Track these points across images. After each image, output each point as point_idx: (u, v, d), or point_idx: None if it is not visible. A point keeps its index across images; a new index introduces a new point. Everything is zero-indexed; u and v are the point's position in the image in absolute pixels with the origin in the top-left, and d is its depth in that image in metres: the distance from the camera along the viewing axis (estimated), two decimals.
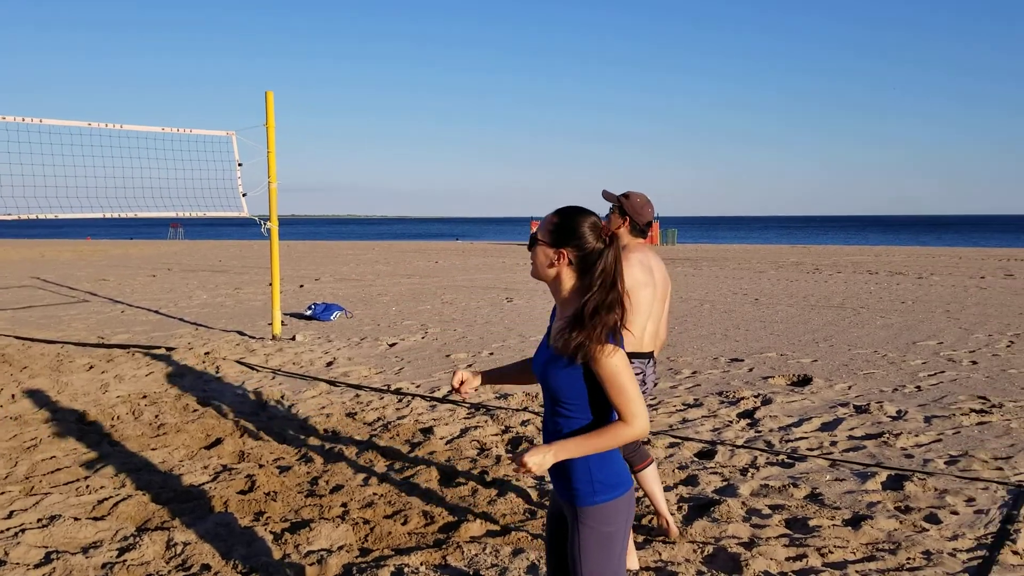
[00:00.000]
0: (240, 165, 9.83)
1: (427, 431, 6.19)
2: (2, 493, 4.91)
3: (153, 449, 5.79)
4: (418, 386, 7.73)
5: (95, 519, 4.50)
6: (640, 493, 4.65)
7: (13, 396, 7.31)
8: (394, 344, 10.10)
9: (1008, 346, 9.67)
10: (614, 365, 2.13)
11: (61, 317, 12.61)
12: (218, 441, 6.01)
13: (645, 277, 3.73)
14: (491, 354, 9.41)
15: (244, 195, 9.93)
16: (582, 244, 2.25)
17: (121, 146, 9.28)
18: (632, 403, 2.14)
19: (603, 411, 2.24)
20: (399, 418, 6.62)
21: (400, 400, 7.20)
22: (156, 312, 13.14)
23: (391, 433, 6.17)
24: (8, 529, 4.36)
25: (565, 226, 2.28)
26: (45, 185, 8.88)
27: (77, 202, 9.31)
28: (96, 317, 12.59)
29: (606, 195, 3.92)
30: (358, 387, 7.72)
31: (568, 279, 2.28)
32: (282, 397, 7.35)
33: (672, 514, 4.43)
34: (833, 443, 5.78)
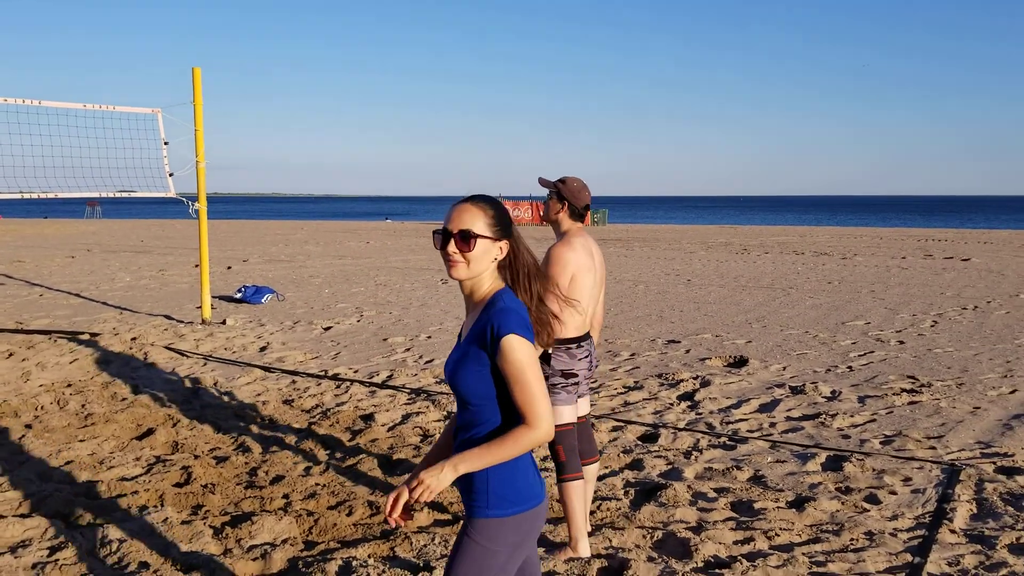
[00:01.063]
0: (166, 144, 9.48)
1: (368, 418, 6.08)
2: None
3: (81, 441, 5.56)
4: (356, 371, 7.60)
5: (22, 516, 4.30)
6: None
7: None
8: (329, 328, 9.92)
9: (932, 326, 9.99)
10: (520, 359, 2.00)
11: None
12: (150, 431, 5.79)
13: (588, 261, 3.71)
14: (428, 337, 9.31)
15: (171, 175, 9.59)
16: (517, 232, 2.18)
17: (40, 123, 8.85)
18: (536, 402, 1.99)
19: (512, 413, 2.08)
20: (338, 405, 6.49)
21: (339, 386, 7.06)
22: (77, 295, 12.64)
23: (331, 420, 6.04)
24: None
25: (504, 216, 2.16)
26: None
27: (12, 182, 8.86)
28: (13, 301, 12.05)
29: (542, 182, 3.88)
30: (294, 373, 7.56)
31: (494, 273, 2.16)
32: (215, 384, 7.14)
33: (619, 499, 4.43)
34: (772, 424, 5.88)
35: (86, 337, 8.96)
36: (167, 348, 8.44)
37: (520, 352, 2.00)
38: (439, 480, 1.97)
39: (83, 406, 6.41)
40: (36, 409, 6.34)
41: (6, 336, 9.12)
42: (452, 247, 2.12)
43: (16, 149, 8.86)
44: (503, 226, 2.15)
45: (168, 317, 10.50)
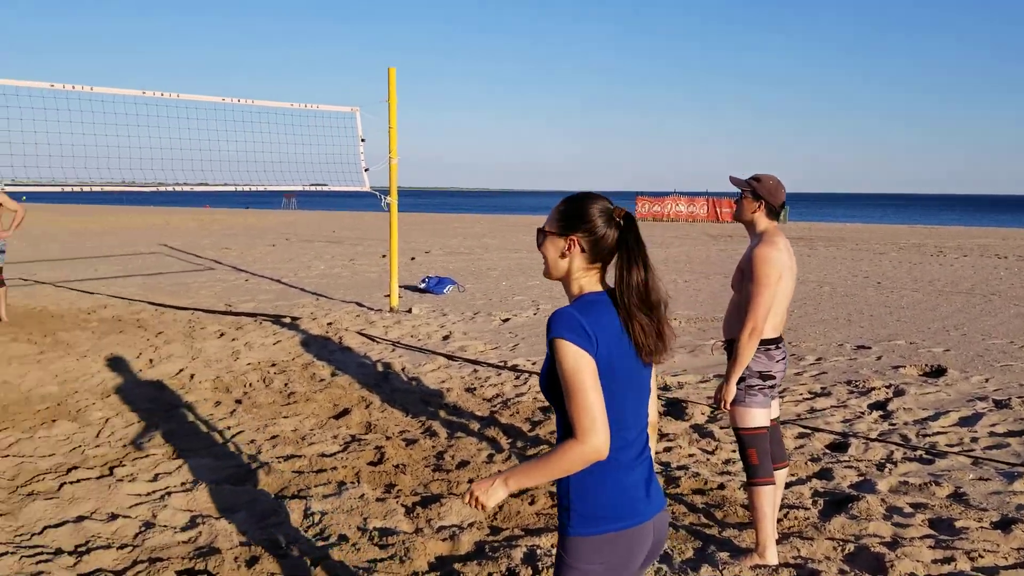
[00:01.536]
0: (363, 140, 10.02)
1: (547, 409, 6.20)
2: (147, 456, 5.17)
3: (285, 417, 5.99)
4: (534, 363, 7.74)
5: (235, 485, 4.69)
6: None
7: (151, 361, 7.68)
8: (507, 320, 10.15)
9: None
10: (566, 365, 1.90)
11: (189, 284, 13.18)
12: (345, 411, 6.16)
13: (790, 262, 3.62)
14: None
15: (366, 170, 10.12)
16: (593, 228, 2.05)
17: (252, 120, 9.62)
18: (581, 414, 1.87)
19: (569, 423, 1.96)
20: (518, 395, 6.64)
21: (517, 377, 7.23)
22: (278, 281, 13.58)
23: (511, 411, 6.20)
24: (154, 492, 4.58)
25: (573, 212, 2.08)
26: (183, 158, 9.29)
27: (211, 174, 9.72)
28: (222, 285, 13.11)
29: (734, 180, 3.78)
30: (475, 362, 7.80)
31: (586, 273, 2.07)
32: (403, 369, 7.48)
33: (807, 508, 4.30)
34: (974, 439, 5.50)
35: (287, 321, 9.62)
36: (359, 333, 8.92)
37: (565, 357, 1.91)
38: (488, 495, 1.95)
39: (286, 385, 6.90)
40: (245, 386, 6.89)
41: (217, 317, 9.94)
42: (537, 244, 2.19)
43: (231, 145, 9.66)
44: (567, 221, 2.07)
45: (359, 304, 11.09)
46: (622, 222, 2.07)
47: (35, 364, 7.53)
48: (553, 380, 1.98)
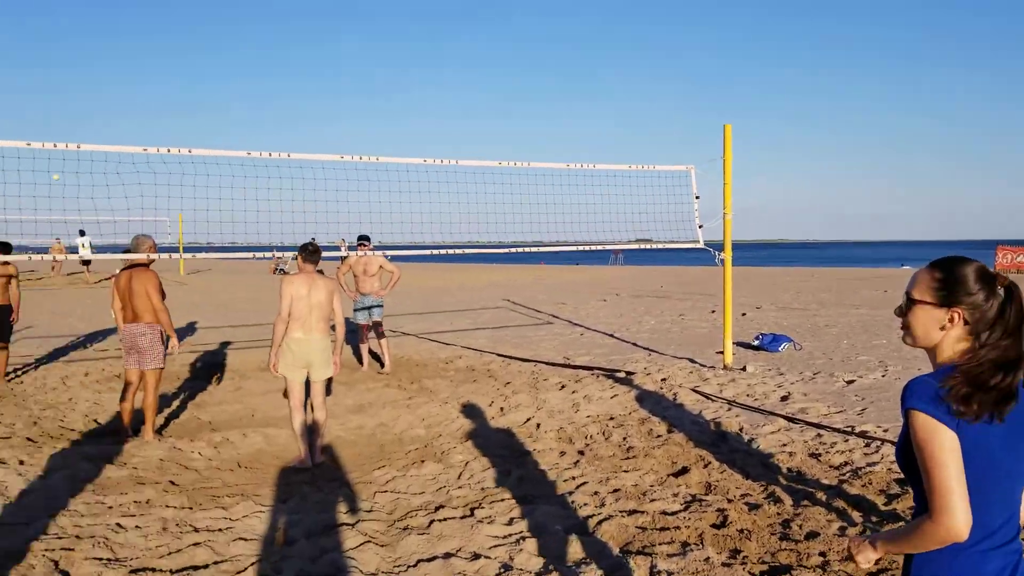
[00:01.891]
0: (697, 198, 10.12)
1: (903, 482, 5.74)
2: (502, 500, 5.57)
3: (625, 471, 6.15)
4: (886, 431, 7.21)
5: (581, 534, 4.89)
6: None
7: (502, 409, 8.27)
8: (852, 381, 9.57)
9: None
10: (919, 438, 1.83)
11: (531, 337, 14.02)
12: (684, 470, 6.18)
13: None
14: None
15: (700, 226, 10.20)
16: (976, 302, 1.93)
17: (590, 184, 10.18)
18: (935, 492, 1.78)
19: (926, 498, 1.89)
20: (869, 465, 6.22)
21: (867, 444, 6.77)
22: (611, 336, 14.01)
23: (862, 480, 5.82)
24: (510, 535, 4.91)
25: (954, 280, 1.95)
26: (531, 221, 10.08)
27: (557, 235, 10.44)
28: (560, 339, 13.79)
29: None
30: (819, 426, 7.44)
31: (958, 343, 1.96)
32: (741, 430, 7.34)
33: None
34: None
35: (622, 375, 9.89)
36: (694, 390, 8.92)
37: (920, 430, 1.83)
38: (862, 555, 1.98)
39: (624, 439, 7.07)
40: (586, 438, 7.17)
41: (558, 370, 10.47)
42: (898, 311, 2.08)
43: (566, 206, 10.28)
44: (950, 291, 1.95)
45: (691, 360, 11.09)
46: (1003, 291, 1.95)
47: (405, 408, 8.44)
48: (908, 453, 1.93)
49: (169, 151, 7.83)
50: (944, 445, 1.83)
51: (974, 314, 1.95)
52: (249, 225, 8.83)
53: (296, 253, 6.92)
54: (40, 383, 10.11)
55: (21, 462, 6.47)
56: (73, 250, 28.36)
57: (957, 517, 1.79)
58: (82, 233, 25.78)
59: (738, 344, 12.58)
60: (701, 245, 10.48)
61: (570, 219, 10.48)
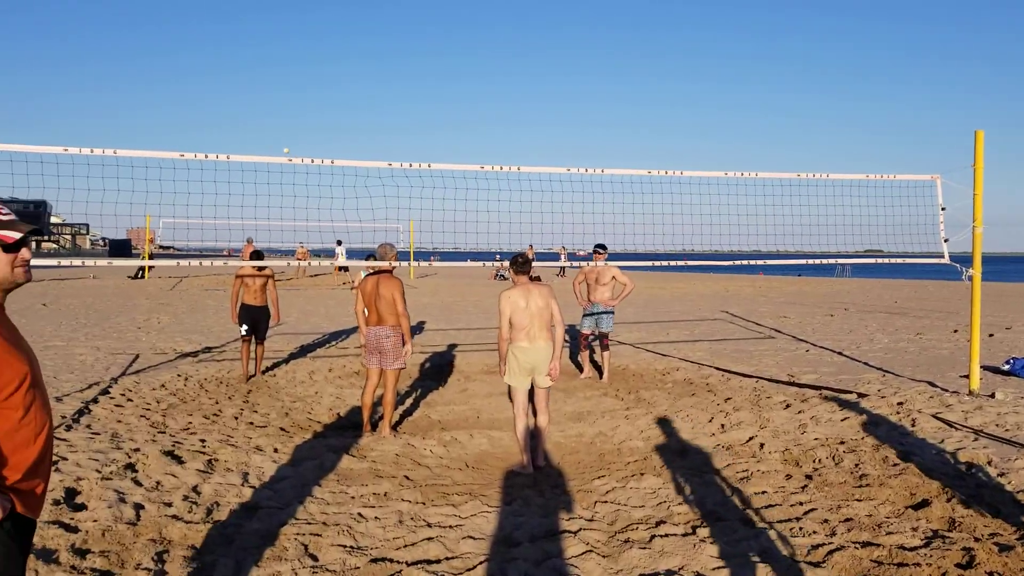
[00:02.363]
0: (943, 209, 9.41)
1: None
2: (724, 520, 5.46)
3: (858, 500, 5.84)
4: None
5: (811, 564, 4.69)
6: None
7: (722, 426, 8.10)
8: None
9: None
10: None
11: (751, 352, 13.60)
12: (924, 503, 5.77)
13: None
14: None
15: (946, 240, 9.47)
16: None
17: (821, 194, 9.74)
18: None
19: None
20: None
21: None
22: (839, 353, 13.30)
23: None
24: (734, 557, 4.80)
25: None
26: (758, 230, 9.87)
27: (777, 245, 10.09)
28: (783, 354, 13.28)
29: None
30: None
31: None
32: (989, 463, 6.75)
33: None
34: None
35: (853, 397, 9.37)
36: (935, 417, 8.30)
37: None
38: None
39: (856, 465, 6.71)
40: (814, 461, 6.87)
41: (782, 387, 10.10)
42: None
43: (791, 216, 9.91)
44: None
45: (931, 384, 10.32)
46: None
47: (623, 419, 8.48)
48: None
49: (411, 165, 8.38)
50: None
51: None
52: (470, 235, 9.36)
53: (508, 266, 7.15)
54: (290, 376, 11.09)
55: (275, 450, 7.13)
56: (329, 253, 32.36)
57: None
58: (339, 243, 29.31)
59: (986, 368, 11.55)
60: (946, 260, 9.72)
61: (793, 228, 10.14)
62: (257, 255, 10.95)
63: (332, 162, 8.39)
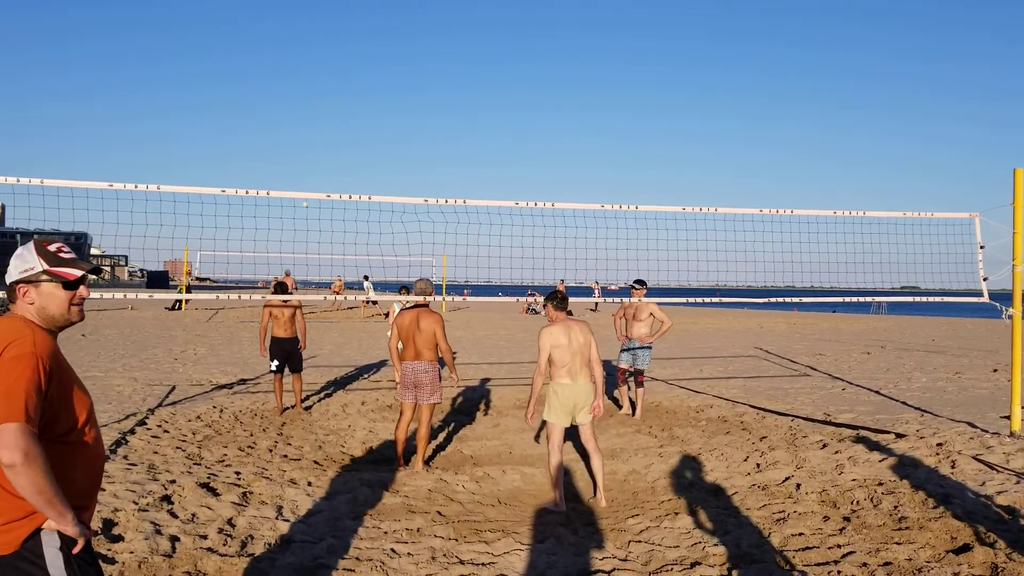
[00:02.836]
0: (982, 247, 9.30)
1: None
2: (761, 563, 5.38)
3: (897, 543, 5.73)
4: None
5: None
6: None
7: (758, 465, 8.00)
8: None
9: None
10: None
11: (786, 389, 13.46)
12: (965, 547, 5.65)
13: None
14: None
15: (985, 279, 9.35)
16: None
17: (858, 231, 9.70)
18: None
19: None
20: None
21: None
22: (876, 392, 13.11)
23: None
24: None
25: None
26: (792, 267, 9.85)
27: (812, 281, 10.08)
28: (819, 392, 13.12)
29: None
30: None
31: None
32: None
33: None
34: None
35: (891, 437, 9.22)
36: (975, 459, 8.13)
37: None
38: None
39: (895, 507, 6.59)
40: (852, 503, 6.76)
41: (818, 427, 9.96)
42: None
43: (822, 254, 9.88)
44: None
45: (971, 424, 10.12)
46: None
47: (657, 456, 8.42)
48: None
49: (447, 201, 8.48)
50: None
51: None
52: (504, 270, 9.50)
53: (545, 302, 7.17)
54: (324, 409, 11.16)
55: (309, 483, 7.17)
56: (357, 286, 33.64)
57: None
58: (366, 278, 30.99)
59: None
60: (986, 298, 9.59)
61: (828, 265, 10.13)
62: (281, 287, 11.08)
63: (369, 198, 8.51)
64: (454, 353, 17.51)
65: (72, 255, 2.70)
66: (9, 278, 2.65)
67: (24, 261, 2.65)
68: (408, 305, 8.33)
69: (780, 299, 10.14)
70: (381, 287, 30.63)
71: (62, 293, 2.65)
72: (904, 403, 11.99)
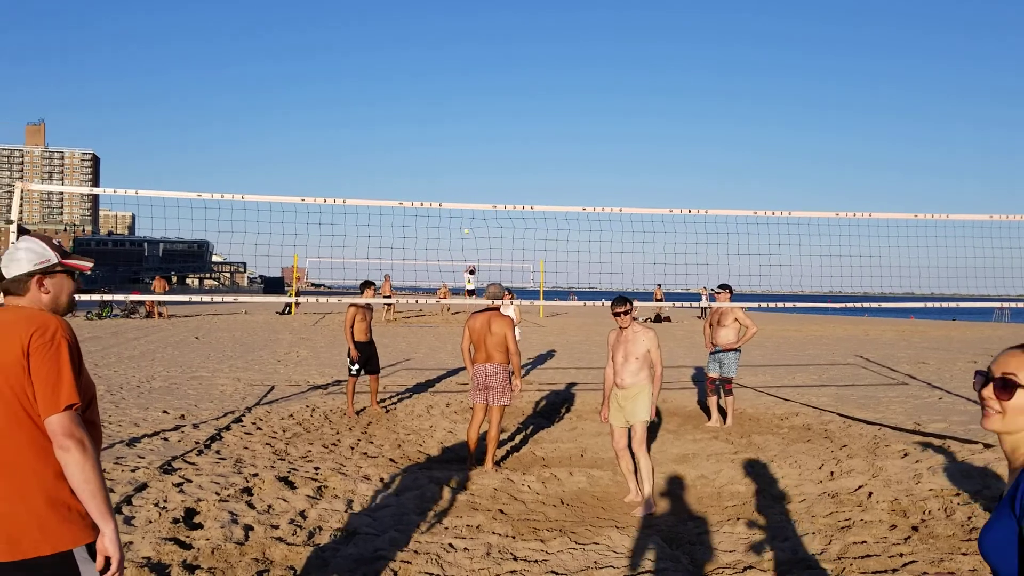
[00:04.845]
0: None
1: None
2: (815, 569, 5.34)
3: (963, 554, 5.57)
4: None
5: None
6: None
7: (832, 473, 7.86)
8: None
9: None
10: None
11: (880, 398, 13.06)
12: None
13: None
14: None
15: None
16: None
17: (942, 235, 9.43)
18: None
19: None
20: None
21: None
22: (975, 402, 12.55)
23: None
24: None
25: None
26: (910, 272, 9.76)
27: (935, 283, 9.97)
28: (914, 401, 12.68)
29: None
30: None
31: None
32: None
33: None
34: None
35: (979, 447, 8.87)
36: None
37: None
38: None
39: (969, 518, 6.38)
40: (924, 512, 6.58)
41: (904, 436, 9.67)
42: (988, 391, 1.91)
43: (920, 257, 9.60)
44: None
45: None
46: None
47: (728, 462, 8.37)
48: (997, 544, 1.86)
49: (521, 207, 8.77)
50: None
51: None
52: (603, 275, 9.76)
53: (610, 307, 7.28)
54: (409, 410, 11.52)
55: (382, 479, 7.47)
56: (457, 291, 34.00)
57: None
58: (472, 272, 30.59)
59: None
60: None
61: (947, 271, 9.92)
62: (366, 284, 11.45)
63: (440, 204, 8.83)
64: (542, 360, 17.80)
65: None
66: (20, 270, 2.76)
67: (37, 254, 2.78)
68: (479, 308, 8.56)
69: (893, 304, 9.98)
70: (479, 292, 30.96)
71: (70, 283, 2.86)
72: None
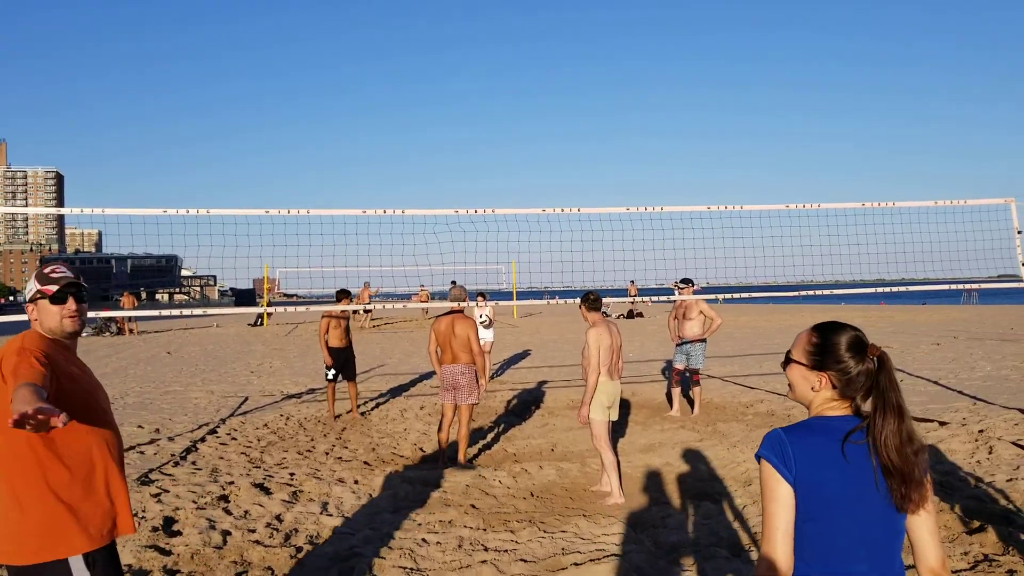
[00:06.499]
0: (1020, 233, 9.22)
1: None
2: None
3: None
4: None
5: None
6: None
7: None
8: None
9: None
10: (761, 482, 2.09)
11: None
12: (981, 528, 5.75)
13: None
14: None
15: (1023, 263, 9.28)
16: (846, 368, 2.13)
17: (892, 222, 9.75)
18: (765, 526, 2.06)
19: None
20: None
21: None
22: (934, 383, 12.96)
23: None
24: None
25: (825, 347, 2.16)
26: (885, 258, 10.08)
27: (904, 268, 10.31)
28: None
29: None
30: None
31: (827, 402, 2.17)
32: None
33: None
34: None
35: (934, 425, 9.21)
36: (1014, 444, 8.10)
37: (760, 473, 2.09)
38: None
39: None
40: None
41: None
42: (782, 365, 2.33)
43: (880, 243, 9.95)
44: (822, 357, 2.15)
45: (1021, 411, 10.00)
46: (875, 362, 2.16)
47: (694, 450, 8.63)
48: None
49: (483, 211, 8.96)
50: (776, 489, 2.06)
51: (844, 381, 2.15)
52: (576, 273, 10.02)
53: (580, 304, 7.44)
54: (384, 414, 11.68)
55: (356, 482, 7.64)
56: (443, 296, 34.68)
57: (773, 551, 2.04)
58: (454, 283, 31.22)
59: None
60: None
61: (916, 256, 10.28)
62: (343, 294, 11.60)
63: (403, 212, 9.02)
64: (515, 361, 18.04)
65: (62, 275, 3.08)
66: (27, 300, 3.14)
67: (29, 286, 3.12)
68: (444, 312, 8.76)
69: (865, 290, 10.29)
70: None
71: (52, 307, 3.02)
72: (960, 392, 11.84)
